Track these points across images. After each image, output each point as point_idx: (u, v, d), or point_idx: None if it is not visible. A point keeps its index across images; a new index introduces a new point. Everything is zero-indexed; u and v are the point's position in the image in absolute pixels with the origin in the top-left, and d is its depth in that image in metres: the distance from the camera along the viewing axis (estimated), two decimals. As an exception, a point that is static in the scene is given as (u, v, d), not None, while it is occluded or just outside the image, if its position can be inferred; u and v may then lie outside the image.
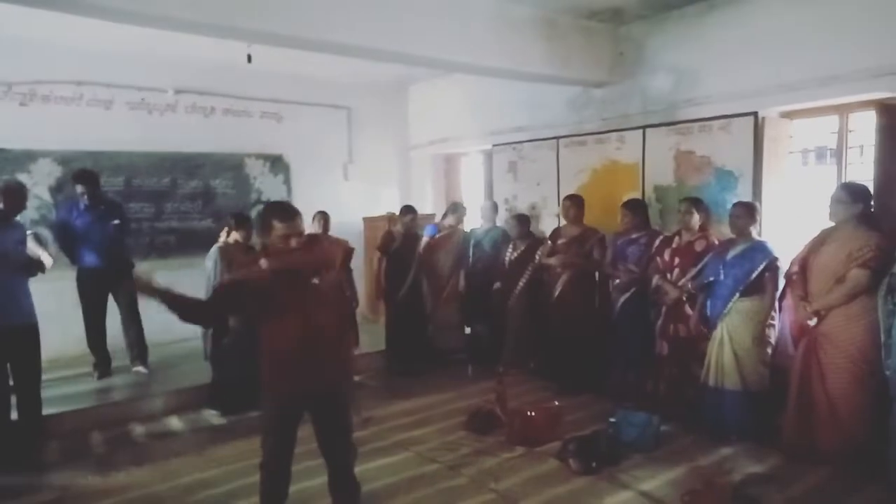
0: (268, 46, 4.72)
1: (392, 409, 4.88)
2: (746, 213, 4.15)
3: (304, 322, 2.70)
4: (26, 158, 5.79)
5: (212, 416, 4.84)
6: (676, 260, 4.57)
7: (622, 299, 4.93)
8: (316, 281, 2.76)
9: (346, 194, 7.56)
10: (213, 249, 5.14)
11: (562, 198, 5.61)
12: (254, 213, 6.81)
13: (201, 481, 3.72)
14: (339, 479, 2.99)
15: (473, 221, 6.62)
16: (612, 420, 4.10)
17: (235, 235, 5.16)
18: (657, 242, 4.79)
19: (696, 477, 3.58)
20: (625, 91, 5.63)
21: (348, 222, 6.91)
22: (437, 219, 6.74)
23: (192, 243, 6.60)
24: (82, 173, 5.14)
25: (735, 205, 4.29)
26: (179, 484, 3.69)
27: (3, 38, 5.40)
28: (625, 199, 5.19)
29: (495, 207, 6.34)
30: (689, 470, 3.70)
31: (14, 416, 4.14)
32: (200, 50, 5.70)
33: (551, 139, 6.27)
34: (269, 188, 7.19)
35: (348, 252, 5.32)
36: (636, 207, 5.01)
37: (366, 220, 7.44)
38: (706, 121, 4.98)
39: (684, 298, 4.45)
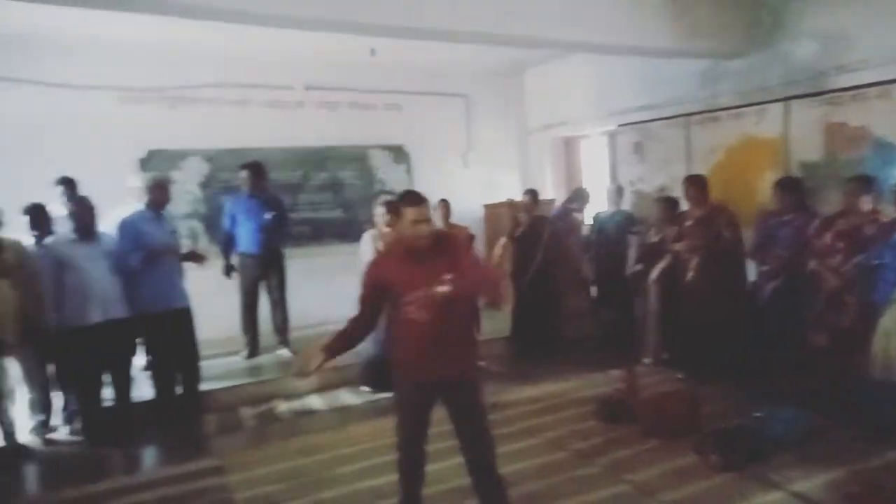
0: (389, 39, 4.86)
1: (518, 396, 4.89)
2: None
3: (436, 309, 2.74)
4: (178, 157, 6.35)
5: (364, 393, 5.08)
6: (840, 244, 4.13)
7: (771, 286, 4.56)
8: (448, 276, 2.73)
9: (466, 181, 7.62)
10: (367, 235, 5.27)
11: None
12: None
13: (340, 457, 3.93)
14: (482, 478, 2.90)
15: (597, 206, 6.44)
16: (757, 414, 3.84)
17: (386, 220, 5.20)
18: (815, 224, 4.34)
19: (859, 479, 3.28)
20: (763, 61, 5.22)
21: (468, 210, 6.97)
22: (558, 203, 6.63)
23: (324, 233, 6.99)
24: (249, 163, 5.56)
25: (900, 180, 3.85)
26: (320, 459, 3.92)
27: (154, 48, 5.92)
28: (765, 177, 4.82)
29: (620, 191, 6.13)
30: (849, 470, 3.40)
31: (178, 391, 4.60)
32: (327, 47, 5.95)
33: (680, 117, 5.96)
34: (391, 178, 7.41)
35: (469, 239, 5.37)
36: (790, 186, 4.58)
37: (486, 206, 7.47)
38: (861, 88, 4.51)
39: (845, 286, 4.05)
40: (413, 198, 2.79)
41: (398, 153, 7.45)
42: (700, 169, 5.62)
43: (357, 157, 7.23)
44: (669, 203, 5.39)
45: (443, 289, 2.66)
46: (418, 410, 2.88)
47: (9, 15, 4.66)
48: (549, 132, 7.84)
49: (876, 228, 3.97)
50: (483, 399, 2.96)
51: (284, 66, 6.62)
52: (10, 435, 4.04)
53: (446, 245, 2.82)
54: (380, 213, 5.15)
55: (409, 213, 2.74)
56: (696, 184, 5.05)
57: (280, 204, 5.79)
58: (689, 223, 5.07)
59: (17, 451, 4.05)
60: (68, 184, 4.72)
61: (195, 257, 4.66)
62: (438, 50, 6.01)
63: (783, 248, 4.47)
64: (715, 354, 4.81)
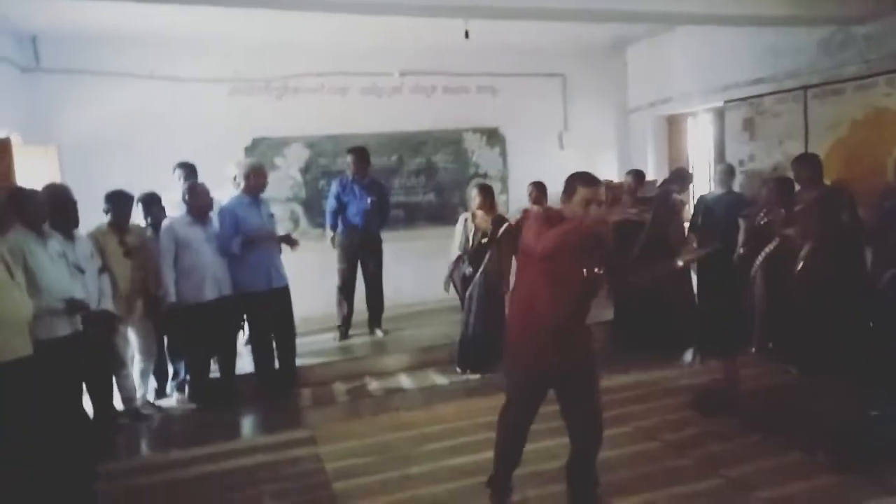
0: (483, 20, 4.82)
1: (612, 383, 4.72)
2: None
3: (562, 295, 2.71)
4: (281, 144, 6.66)
5: (452, 374, 5.16)
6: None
7: (890, 274, 4.11)
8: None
9: (562, 163, 7.39)
10: (461, 217, 5.30)
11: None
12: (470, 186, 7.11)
13: (427, 435, 3.99)
14: (579, 466, 2.91)
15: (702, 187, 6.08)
16: (874, 412, 3.50)
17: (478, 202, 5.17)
18: None
19: None
20: (894, 25, 4.68)
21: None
22: (658, 185, 6.31)
23: (418, 216, 7.10)
24: (355, 147, 5.74)
25: None
26: (407, 435, 4.00)
27: (260, 42, 6.22)
28: (896, 153, 4.34)
29: (731, 171, 5.71)
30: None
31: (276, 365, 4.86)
32: (421, 32, 6.01)
33: (798, 90, 5.48)
34: (486, 161, 7.38)
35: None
36: None
37: (582, 189, 7.25)
38: None
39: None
40: (589, 177, 2.75)
41: (493, 136, 7.40)
42: (820, 146, 5.14)
43: (451, 141, 7.26)
44: (781, 184, 4.95)
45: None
46: (531, 398, 2.86)
47: (134, 15, 5.06)
48: (651, 111, 7.48)
49: None
50: (599, 391, 2.92)
51: (381, 53, 6.74)
52: (129, 399, 4.43)
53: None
54: (474, 195, 5.15)
55: (583, 192, 2.68)
56: (807, 164, 4.63)
57: (381, 188, 5.92)
58: (800, 207, 4.67)
59: (134, 415, 4.44)
60: (187, 168, 5.05)
61: (289, 241, 4.87)
62: (534, 29, 5.90)
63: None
64: (827, 347, 4.41)
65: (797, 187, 4.77)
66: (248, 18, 5.15)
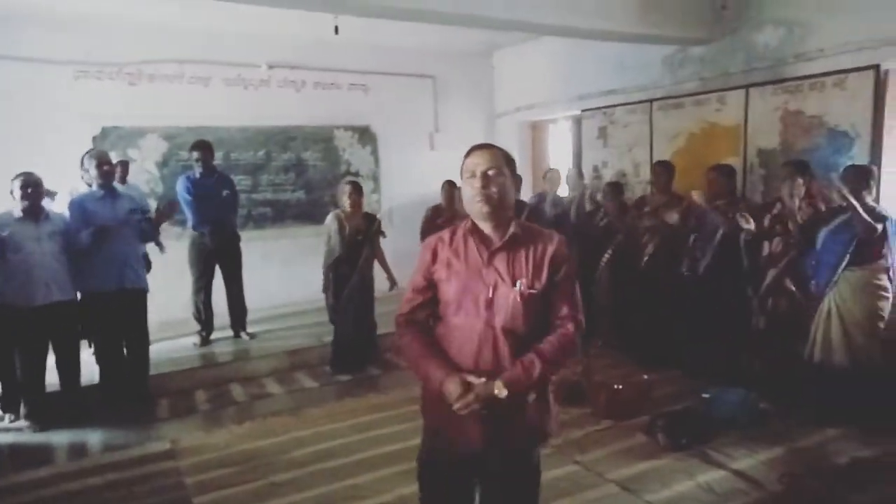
0: (354, 17, 4.77)
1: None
2: (858, 176, 3.77)
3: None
4: (136, 135, 6.18)
5: (322, 375, 5.10)
6: (777, 228, 4.27)
7: (703, 266, 4.65)
8: None
9: (433, 164, 7.55)
10: (331, 216, 5.16)
11: (653, 165, 5.37)
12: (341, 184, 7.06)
13: (296, 440, 3.91)
14: None
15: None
16: (704, 395, 3.93)
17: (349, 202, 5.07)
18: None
19: (797, 458, 3.37)
20: (726, 48, 5.26)
21: (435, 192, 6.92)
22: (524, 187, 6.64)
23: (286, 214, 6.92)
24: (199, 142, 5.40)
25: (846, 168, 3.92)
26: (275, 442, 3.90)
27: (112, 21, 5.74)
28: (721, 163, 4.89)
29: (580, 175, 6.21)
30: (789, 450, 3.49)
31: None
32: (291, 25, 5.84)
33: (644, 102, 5.98)
34: (357, 159, 7.33)
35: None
36: (725, 172, 4.73)
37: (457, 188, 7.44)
38: (818, 77, 4.57)
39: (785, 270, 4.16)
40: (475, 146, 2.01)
41: (364, 134, 7.36)
42: (662, 155, 5.66)
43: (322, 138, 7.13)
44: (615, 188, 5.52)
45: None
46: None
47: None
48: (517, 115, 7.81)
49: (811, 212, 4.07)
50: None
51: (248, 42, 6.46)
52: None
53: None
54: (346, 191, 5.08)
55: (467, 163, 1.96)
56: (664, 170, 5.12)
57: (231, 181, 5.67)
58: (648, 208, 5.14)
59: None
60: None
61: (162, 215, 4.57)
62: (405, 29, 5.93)
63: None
64: (658, 340, 4.90)
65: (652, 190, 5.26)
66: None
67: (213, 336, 5.62)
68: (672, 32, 5.18)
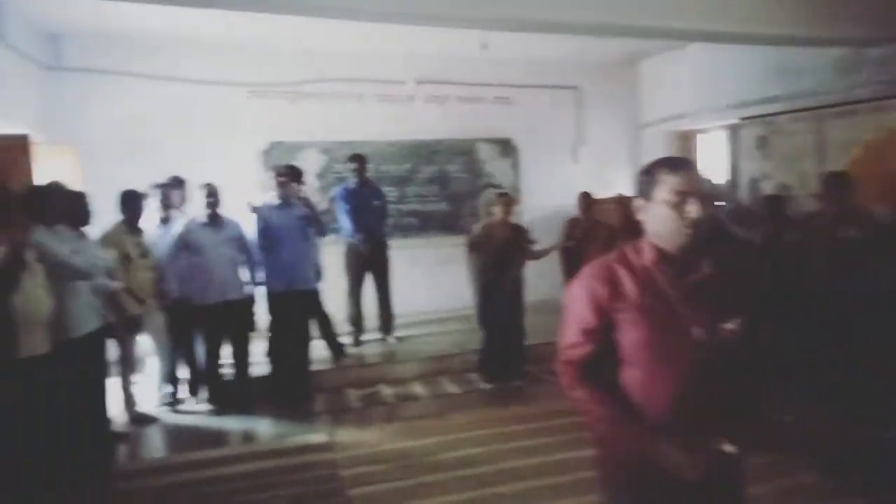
0: (500, 33, 4.87)
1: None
2: None
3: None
4: (297, 149, 6.68)
5: (467, 382, 5.18)
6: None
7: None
8: None
9: (575, 176, 7.48)
10: (479, 225, 5.21)
11: (826, 176, 4.90)
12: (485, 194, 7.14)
13: (442, 444, 3.99)
14: None
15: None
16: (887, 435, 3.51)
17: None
18: None
19: None
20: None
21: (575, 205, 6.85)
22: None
23: (430, 224, 7.15)
24: (355, 154, 5.76)
25: None
26: (422, 444, 4.01)
27: (279, 46, 6.28)
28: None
29: (735, 187, 5.84)
30: None
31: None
32: (438, 42, 6.07)
33: (813, 109, 5.52)
34: (498, 172, 7.42)
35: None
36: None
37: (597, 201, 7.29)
38: None
39: None
40: (675, 161, 1.69)
41: (505, 147, 7.44)
42: (835, 165, 5.18)
43: (464, 151, 7.30)
44: (775, 202, 5.12)
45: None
46: None
47: (156, 16, 5.10)
48: (663, 126, 7.53)
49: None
50: None
51: (397, 60, 6.79)
52: (132, 406, 4.43)
53: None
54: (495, 201, 5.14)
55: (669, 181, 1.61)
56: (839, 182, 4.62)
57: (382, 192, 5.94)
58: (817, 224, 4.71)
59: (142, 419, 4.43)
60: (177, 183, 4.99)
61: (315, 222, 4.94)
62: (549, 42, 5.96)
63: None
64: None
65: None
66: (268, 22, 5.20)
67: (363, 338, 5.89)
68: (842, 33, 4.73)
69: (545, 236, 5.56)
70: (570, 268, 5.54)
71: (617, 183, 7.56)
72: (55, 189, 3.68)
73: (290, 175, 5.05)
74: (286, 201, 4.77)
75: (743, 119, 6.28)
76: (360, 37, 5.85)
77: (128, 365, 4.36)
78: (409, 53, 6.70)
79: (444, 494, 3.35)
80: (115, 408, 4.32)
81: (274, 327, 4.79)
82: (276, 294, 4.69)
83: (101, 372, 3.84)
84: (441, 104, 7.18)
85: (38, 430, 3.06)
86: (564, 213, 6.25)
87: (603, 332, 1.68)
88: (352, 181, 5.70)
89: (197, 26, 5.47)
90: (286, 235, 4.66)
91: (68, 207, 3.71)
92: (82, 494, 3.38)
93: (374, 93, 6.92)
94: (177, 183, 4.91)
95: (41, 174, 4.51)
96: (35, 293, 3.18)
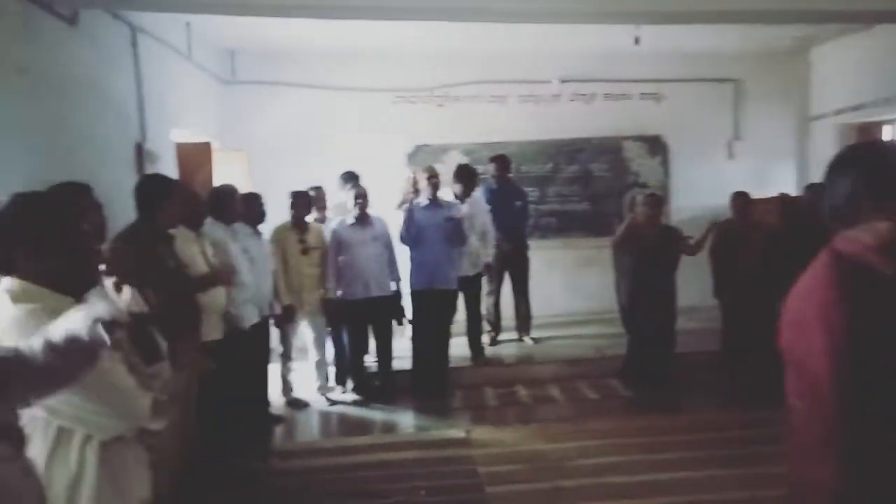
0: (653, 26, 4.65)
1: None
2: None
3: None
4: (440, 151, 6.87)
5: (604, 388, 5.05)
6: None
7: None
8: None
9: (730, 174, 6.94)
10: (623, 226, 5.08)
11: None
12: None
13: (580, 449, 3.90)
14: None
15: None
16: None
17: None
18: None
19: None
20: None
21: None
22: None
23: (571, 225, 7.02)
24: (496, 155, 5.83)
25: None
26: (559, 447, 3.95)
27: (424, 51, 6.46)
28: None
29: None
30: None
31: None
32: (586, 39, 5.92)
33: None
34: (645, 170, 7.11)
35: None
36: None
37: (753, 201, 6.73)
38: None
39: None
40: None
41: (654, 144, 7.11)
42: None
43: (610, 149, 7.08)
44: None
45: None
46: None
47: (315, 31, 5.50)
48: (837, 118, 6.76)
49: None
50: None
51: (541, 60, 6.72)
52: (289, 391, 4.77)
53: None
54: (642, 202, 4.96)
55: None
56: None
57: (524, 193, 5.93)
58: None
59: (296, 404, 4.76)
60: (352, 177, 5.35)
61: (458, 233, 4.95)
62: (708, 33, 5.60)
63: None
64: None
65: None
66: (413, 29, 5.39)
67: (500, 338, 5.93)
68: None
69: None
70: (721, 274, 5.15)
71: (779, 181, 6.92)
72: (231, 190, 4.10)
73: (463, 175, 5.30)
74: (434, 202, 4.91)
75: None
76: (505, 38, 5.87)
77: (286, 353, 4.72)
78: (555, 52, 6.60)
79: (583, 501, 3.29)
80: (274, 392, 4.73)
81: (415, 324, 4.96)
82: (418, 292, 4.85)
83: (264, 359, 4.21)
84: (587, 102, 7.02)
85: (208, 409, 3.40)
86: (717, 213, 5.80)
87: None
88: (492, 182, 5.74)
89: (348, 38, 5.80)
90: (430, 235, 4.80)
91: (244, 207, 4.12)
92: (243, 468, 3.73)
93: (518, 93, 6.92)
94: (352, 178, 5.25)
95: (219, 177, 5.07)
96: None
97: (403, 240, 4.87)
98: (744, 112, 7.16)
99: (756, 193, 6.41)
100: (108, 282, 2.03)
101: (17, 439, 1.22)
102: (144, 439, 1.70)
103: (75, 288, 1.55)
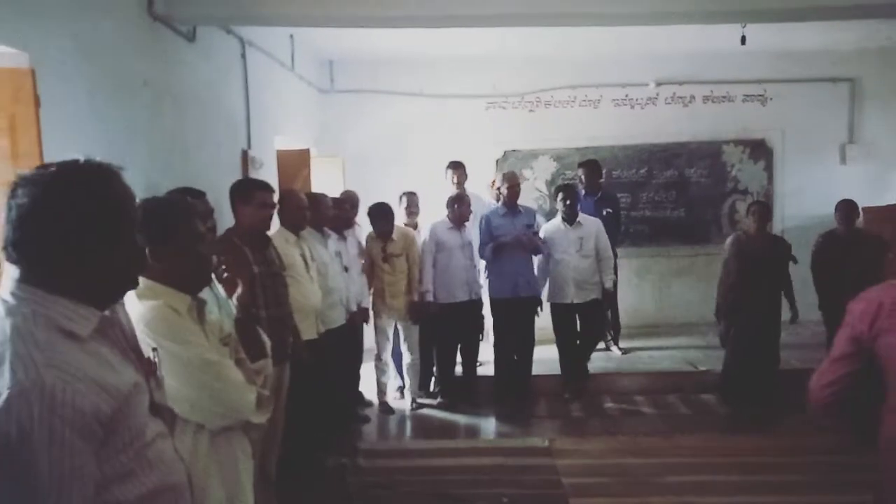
0: (761, 25, 4.43)
1: None
2: None
3: None
4: (530, 157, 6.84)
5: (696, 403, 4.88)
6: None
7: None
8: None
9: (843, 180, 6.50)
10: (731, 238, 4.85)
11: None
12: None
13: (668, 466, 3.78)
14: None
15: None
16: None
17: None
18: None
19: None
20: None
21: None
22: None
23: (663, 233, 6.79)
24: (586, 160, 5.74)
25: None
26: (647, 462, 3.83)
27: (515, 57, 6.45)
28: None
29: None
30: None
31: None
32: (685, 40, 5.72)
33: None
34: (747, 176, 6.78)
35: None
36: None
37: (866, 210, 6.24)
38: None
39: None
40: None
41: (757, 148, 6.75)
42: None
43: (708, 154, 6.79)
44: None
45: None
46: None
47: (409, 41, 5.64)
48: (969, 120, 6.18)
49: None
50: None
51: (636, 62, 6.57)
52: (381, 393, 4.87)
53: None
54: (749, 211, 4.75)
55: None
56: None
57: (616, 201, 5.79)
58: None
59: (385, 405, 4.85)
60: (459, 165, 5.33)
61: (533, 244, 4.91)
62: (821, 30, 5.27)
63: None
64: None
65: None
66: (506, 36, 5.41)
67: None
68: None
69: (801, 249, 4.91)
70: (826, 287, 4.83)
71: (898, 189, 6.40)
72: (325, 195, 4.28)
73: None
74: (513, 208, 4.90)
75: None
76: (599, 41, 5.77)
77: (378, 355, 4.81)
78: (651, 54, 6.42)
79: (671, 520, 3.18)
80: (363, 392, 4.88)
81: (498, 331, 4.95)
82: (501, 300, 4.83)
83: (355, 359, 4.36)
84: (685, 105, 6.79)
85: (300, 405, 3.54)
86: (826, 223, 5.46)
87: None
88: (581, 188, 5.65)
89: (441, 46, 5.91)
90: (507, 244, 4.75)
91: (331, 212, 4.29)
92: (330, 466, 3.87)
93: (611, 97, 6.78)
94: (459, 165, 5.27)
95: (317, 182, 5.30)
96: (310, 287, 3.72)
97: (481, 253, 4.84)
98: (860, 113, 6.67)
99: (872, 201, 5.99)
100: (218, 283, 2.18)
101: (170, 418, 1.33)
102: (250, 432, 1.83)
103: (193, 286, 1.70)
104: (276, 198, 3.38)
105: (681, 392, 5.04)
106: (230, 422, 1.70)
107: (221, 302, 2.17)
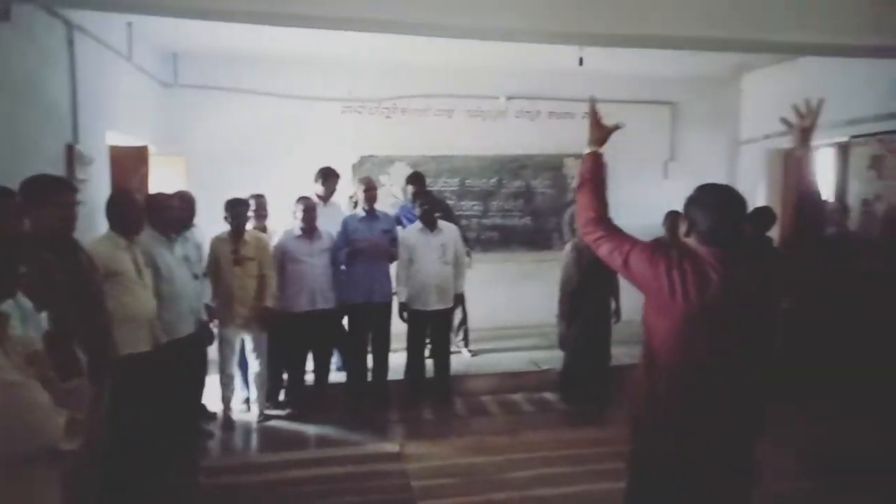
0: (597, 49, 4.79)
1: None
2: None
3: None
4: (387, 162, 6.88)
5: (539, 402, 5.14)
6: None
7: None
8: None
9: (665, 192, 7.21)
10: (569, 244, 5.16)
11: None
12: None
13: (512, 462, 3.98)
14: None
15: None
16: None
17: None
18: None
19: None
20: None
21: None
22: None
23: (512, 240, 7.14)
24: (412, 175, 5.74)
25: None
26: (493, 460, 4.00)
27: (372, 62, 6.48)
28: None
29: (845, 210, 5.44)
30: None
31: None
32: (532, 58, 6.05)
33: (935, 128, 5.06)
34: (585, 188, 7.28)
35: None
36: None
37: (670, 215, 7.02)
38: None
39: None
40: None
41: (594, 163, 7.30)
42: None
43: (552, 166, 7.23)
44: None
45: None
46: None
47: (261, 37, 5.44)
48: (766, 143, 7.13)
49: None
50: None
51: (489, 76, 6.84)
52: (227, 408, 4.63)
53: None
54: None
55: None
56: None
57: (448, 209, 5.79)
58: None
59: (228, 419, 4.61)
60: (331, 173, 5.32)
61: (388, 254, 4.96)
62: (648, 57, 5.81)
63: None
64: None
65: None
66: (361, 40, 5.39)
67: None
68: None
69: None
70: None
71: (712, 202, 7.21)
72: (170, 196, 4.01)
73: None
74: (371, 213, 4.90)
75: (854, 137, 5.85)
76: (455, 53, 5.93)
77: (222, 367, 4.58)
78: (502, 69, 6.72)
79: (512, 514, 3.34)
80: (204, 407, 4.61)
81: (352, 337, 4.92)
82: (354, 305, 4.81)
83: (196, 372, 4.11)
84: (531, 119, 7.16)
85: (132, 424, 3.26)
86: (653, 231, 6.04)
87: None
88: (408, 202, 5.64)
89: (296, 45, 5.76)
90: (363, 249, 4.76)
91: (177, 213, 4.03)
92: (169, 486, 3.63)
93: (465, 108, 7.00)
94: (332, 173, 5.25)
95: (155, 183, 4.94)
96: (143, 294, 3.45)
97: (337, 257, 4.79)
98: (679, 134, 7.47)
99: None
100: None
101: None
102: (59, 460, 1.63)
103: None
104: (77, 196, 2.88)
105: (524, 391, 5.32)
106: (34, 448, 1.53)
107: (28, 315, 1.95)
